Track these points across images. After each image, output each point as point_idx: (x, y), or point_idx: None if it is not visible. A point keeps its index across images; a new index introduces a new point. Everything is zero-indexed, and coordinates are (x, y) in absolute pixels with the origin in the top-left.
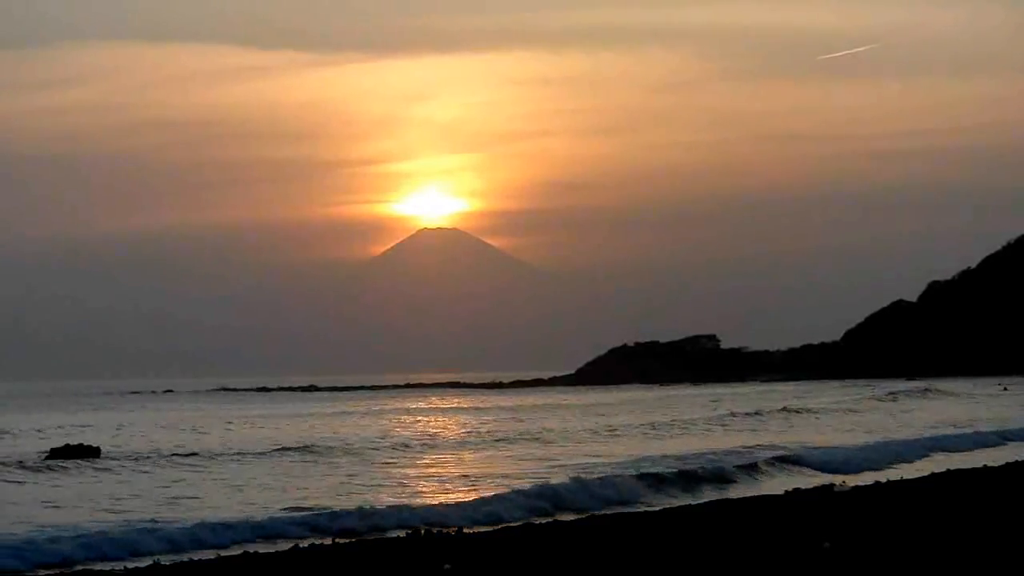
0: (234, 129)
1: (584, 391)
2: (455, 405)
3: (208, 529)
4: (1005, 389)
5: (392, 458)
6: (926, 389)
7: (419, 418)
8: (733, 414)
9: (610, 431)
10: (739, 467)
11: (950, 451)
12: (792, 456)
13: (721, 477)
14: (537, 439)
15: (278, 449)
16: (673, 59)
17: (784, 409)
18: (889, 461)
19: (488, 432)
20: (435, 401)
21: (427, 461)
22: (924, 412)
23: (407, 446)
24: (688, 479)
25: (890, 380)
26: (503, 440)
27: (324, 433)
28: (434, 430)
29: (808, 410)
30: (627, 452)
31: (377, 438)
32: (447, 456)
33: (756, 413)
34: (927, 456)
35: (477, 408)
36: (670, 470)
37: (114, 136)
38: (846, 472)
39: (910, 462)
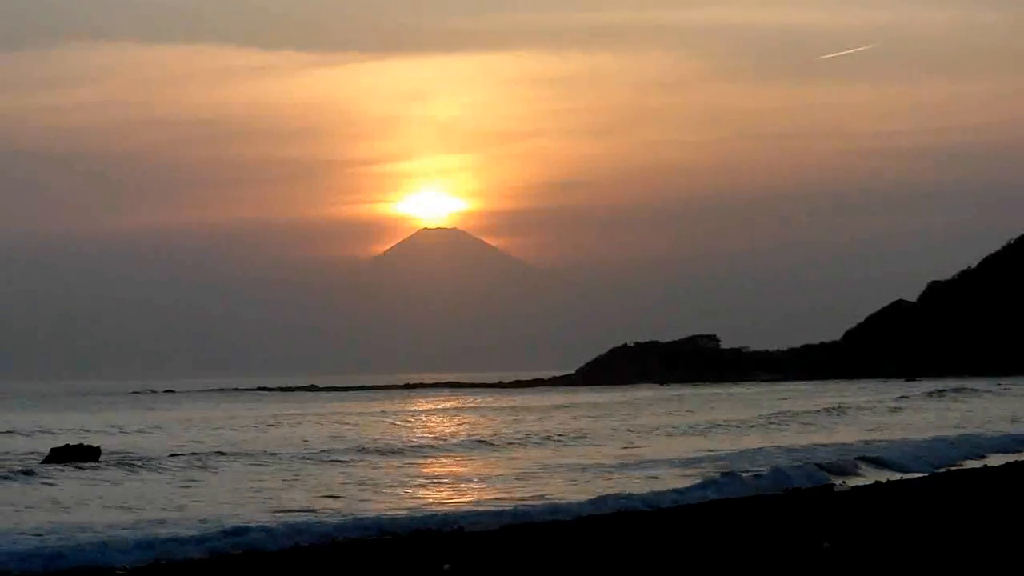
0: (235, 129)
1: (589, 391)
2: (477, 405)
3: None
4: (1006, 389)
5: (542, 454)
6: (961, 388)
7: (461, 418)
8: (779, 413)
9: (677, 430)
10: (834, 467)
11: (1019, 451)
12: (878, 456)
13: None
14: (608, 437)
15: (359, 449)
16: (671, 59)
17: (835, 408)
18: (966, 458)
19: (559, 432)
20: (458, 401)
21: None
22: (964, 411)
23: (546, 440)
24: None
25: (891, 380)
26: (587, 437)
27: (380, 432)
28: (493, 430)
29: (857, 408)
30: (728, 448)
31: (456, 434)
32: (588, 448)
33: (805, 412)
34: (998, 453)
35: (504, 408)
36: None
37: (114, 136)
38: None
39: (983, 458)
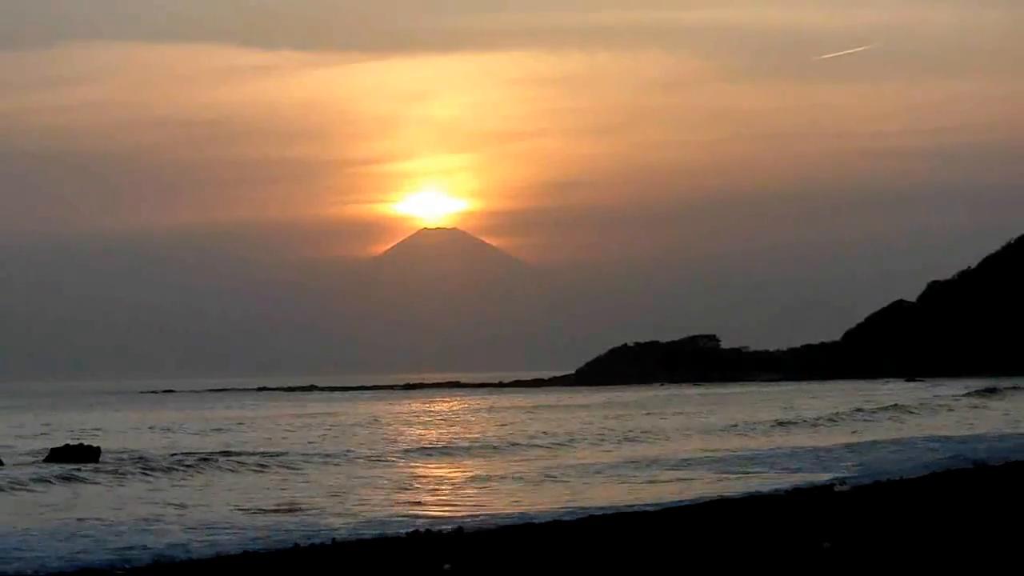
0: (235, 129)
1: (595, 391)
2: (505, 405)
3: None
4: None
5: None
6: (1016, 387)
7: (498, 418)
8: (836, 413)
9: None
10: None
11: None
12: (985, 454)
13: None
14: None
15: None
16: (670, 59)
17: (892, 407)
18: None
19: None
20: (480, 401)
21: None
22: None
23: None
24: None
25: (891, 380)
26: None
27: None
28: (563, 430)
29: (919, 407)
30: (837, 442)
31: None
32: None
33: (859, 410)
34: None
35: (527, 407)
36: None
37: (114, 135)
38: None
39: None
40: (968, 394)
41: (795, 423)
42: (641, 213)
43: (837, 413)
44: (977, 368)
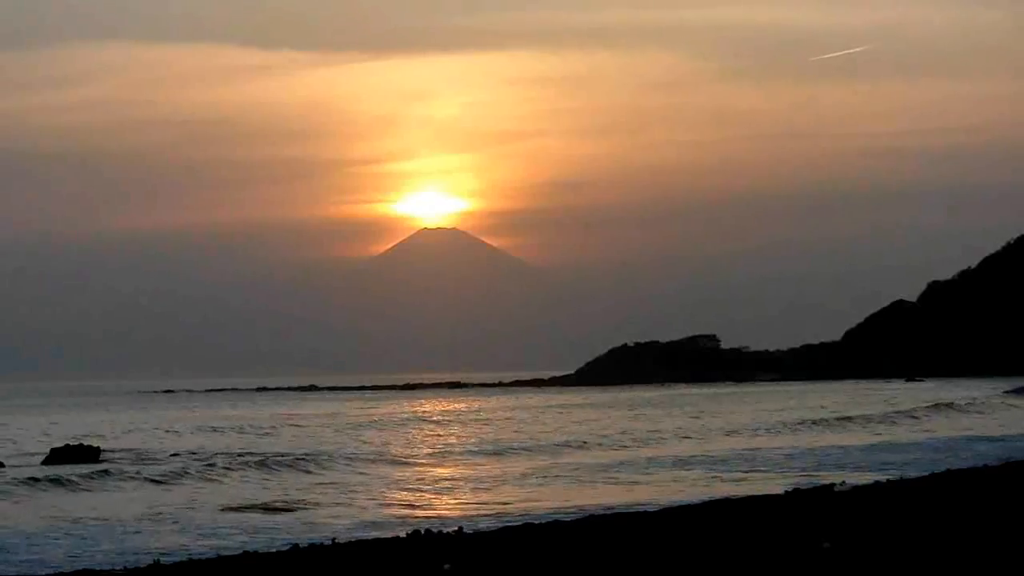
0: (235, 129)
1: (595, 391)
2: (511, 406)
3: None
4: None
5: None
6: None
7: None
8: (863, 416)
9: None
10: None
11: None
12: None
13: None
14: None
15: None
16: (671, 59)
17: (937, 405)
18: None
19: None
20: (487, 402)
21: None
22: None
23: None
24: None
25: (891, 380)
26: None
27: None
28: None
29: (969, 406)
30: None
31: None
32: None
33: (900, 412)
34: None
35: (551, 406)
36: None
37: (115, 135)
38: None
39: None
40: (1003, 393)
41: (825, 422)
42: (641, 213)
43: (867, 414)
44: (978, 368)
